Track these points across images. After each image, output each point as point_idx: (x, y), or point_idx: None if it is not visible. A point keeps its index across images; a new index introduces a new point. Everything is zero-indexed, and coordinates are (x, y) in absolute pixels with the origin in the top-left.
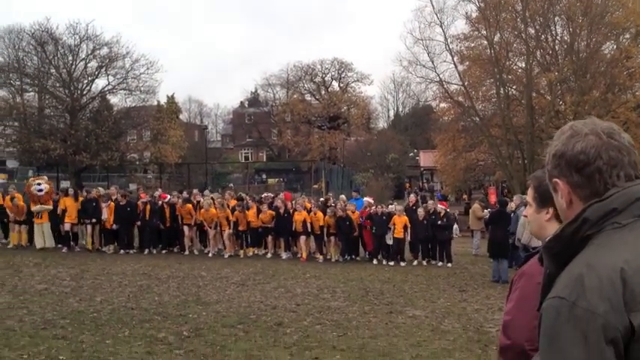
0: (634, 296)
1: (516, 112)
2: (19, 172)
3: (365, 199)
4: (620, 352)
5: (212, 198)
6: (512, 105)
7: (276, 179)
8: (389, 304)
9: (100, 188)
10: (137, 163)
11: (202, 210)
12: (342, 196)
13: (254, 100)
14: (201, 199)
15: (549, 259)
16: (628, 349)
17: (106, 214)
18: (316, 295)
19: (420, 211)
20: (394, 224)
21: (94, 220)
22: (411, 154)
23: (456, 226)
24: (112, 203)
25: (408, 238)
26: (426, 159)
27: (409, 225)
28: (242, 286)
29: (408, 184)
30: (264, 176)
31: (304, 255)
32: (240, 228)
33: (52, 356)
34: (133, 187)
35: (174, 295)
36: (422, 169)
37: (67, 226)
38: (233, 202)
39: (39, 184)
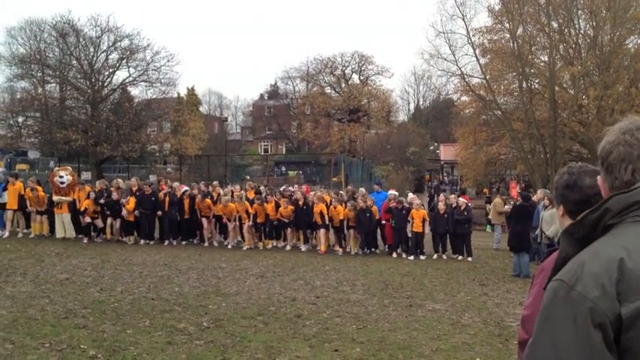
0: (629, 287)
1: (539, 106)
2: (40, 162)
3: (390, 192)
4: (608, 338)
5: (232, 191)
6: (534, 99)
7: (296, 172)
8: (409, 297)
9: (119, 180)
10: (157, 154)
11: (221, 205)
12: (362, 189)
13: (274, 92)
14: (221, 192)
15: (569, 242)
16: (619, 338)
17: (125, 210)
18: (335, 288)
19: (441, 205)
20: (412, 218)
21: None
22: (432, 147)
23: None
24: (132, 198)
25: (427, 230)
26: (446, 152)
27: (427, 219)
28: (261, 277)
29: (427, 177)
30: (283, 169)
31: (323, 248)
32: (259, 220)
33: (73, 345)
34: (153, 178)
35: (194, 286)
36: (442, 162)
37: (87, 219)
38: (252, 194)
39: (61, 175)
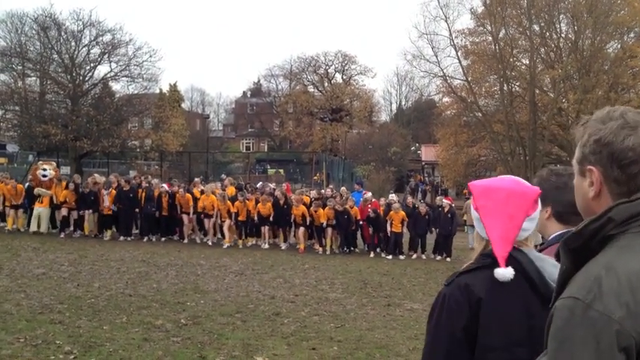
0: None
1: (519, 109)
2: (19, 156)
3: (365, 194)
4: None
5: (212, 191)
6: (515, 102)
7: (275, 170)
8: (387, 296)
9: (96, 175)
10: (138, 150)
11: (203, 195)
12: (343, 189)
13: (256, 90)
14: (203, 189)
15: (567, 255)
16: None
17: (107, 201)
18: (314, 286)
19: (422, 207)
20: (392, 219)
21: (91, 211)
22: (413, 147)
23: None
24: (114, 191)
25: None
26: (427, 153)
27: (407, 220)
28: (240, 275)
29: (418, 177)
30: (267, 166)
31: (302, 247)
32: (240, 218)
33: (48, 340)
34: (133, 174)
35: (173, 283)
36: (423, 163)
37: (64, 211)
38: (232, 190)
39: (45, 169)
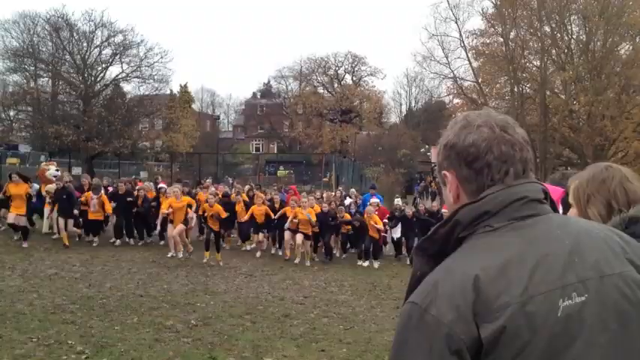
0: (487, 306)
1: (530, 111)
2: (31, 157)
3: (372, 200)
4: None
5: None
6: (525, 103)
7: (286, 171)
8: (396, 298)
9: (65, 173)
10: (149, 151)
11: (163, 197)
12: (353, 191)
13: (266, 91)
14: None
15: (424, 260)
16: None
17: (95, 206)
18: (324, 288)
19: (408, 210)
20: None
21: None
22: (423, 149)
23: None
24: (104, 195)
25: (397, 235)
26: (437, 155)
27: (379, 224)
28: (250, 276)
29: (429, 179)
30: (281, 167)
31: (288, 253)
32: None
33: (60, 340)
34: (143, 174)
35: (183, 284)
36: (433, 164)
37: (10, 218)
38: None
39: (57, 169)
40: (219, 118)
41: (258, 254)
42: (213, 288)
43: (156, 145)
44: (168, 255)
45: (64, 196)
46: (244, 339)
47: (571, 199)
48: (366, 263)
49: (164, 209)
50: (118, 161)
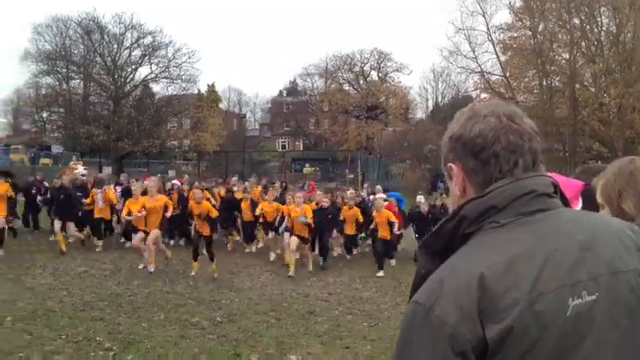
0: (493, 305)
1: (559, 104)
2: (63, 157)
3: (377, 195)
4: None
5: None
6: (554, 97)
7: (312, 168)
8: None
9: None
10: (177, 150)
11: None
12: (379, 187)
13: (292, 89)
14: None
15: (428, 258)
16: None
17: (100, 202)
18: (348, 285)
19: (423, 206)
20: (343, 217)
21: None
22: None
23: None
24: (110, 189)
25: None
26: None
27: (361, 219)
28: (275, 274)
29: None
30: (307, 165)
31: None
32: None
33: (89, 337)
34: (172, 173)
35: (209, 281)
36: None
37: None
38: (256, 192)
39: (85, 169)
40: (245, 117)
41: (272, 257)
42: (238, 285)
43: (184, 144)
44: (140, 267)
45: (62, 196)
46: (269, 336)
47: (600, 200)
48: (381, 273)
49: (134, 210)
50: (147, 160)
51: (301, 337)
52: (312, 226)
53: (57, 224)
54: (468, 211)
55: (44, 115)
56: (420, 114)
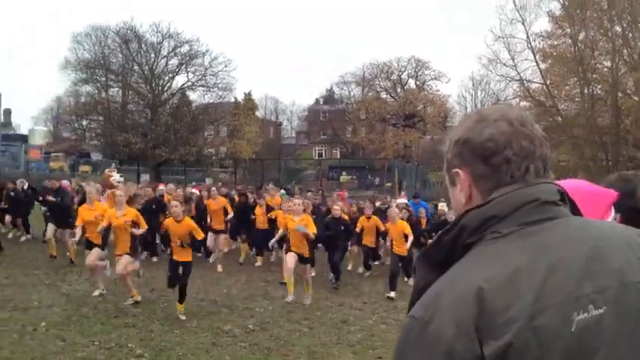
0: (491, 321)
1: (601, 113)
2: (102, 164)
3: (399, 199)
4: None
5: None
6: (596, 105)
7: (349, 176)
8: None
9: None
10: (214, 158)
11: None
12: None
13: (329, 97)
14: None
15: (428, 269)
16: None
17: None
18: (383, 294)
19: (450, 215)
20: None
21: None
22: None
23: None
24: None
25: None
26: None
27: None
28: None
29: None
30: (343, 173)
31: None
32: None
33: (121, 344)
34: (209, 181)
35: (242, 289)
36: None
37: None
38: (277, 201)
39: (121, 175)
40: (282, 125)
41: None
42: (272, 293)
43: (220, 152)
44: (96, 293)
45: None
46: (301, 344)
47: None
48: (392, 294)
49: (89, 218)
50: (184, 168)
51: (333, 346)
52: (313, 238)
53: (50, 229)
54: (468, 221)
55: (84, 123)
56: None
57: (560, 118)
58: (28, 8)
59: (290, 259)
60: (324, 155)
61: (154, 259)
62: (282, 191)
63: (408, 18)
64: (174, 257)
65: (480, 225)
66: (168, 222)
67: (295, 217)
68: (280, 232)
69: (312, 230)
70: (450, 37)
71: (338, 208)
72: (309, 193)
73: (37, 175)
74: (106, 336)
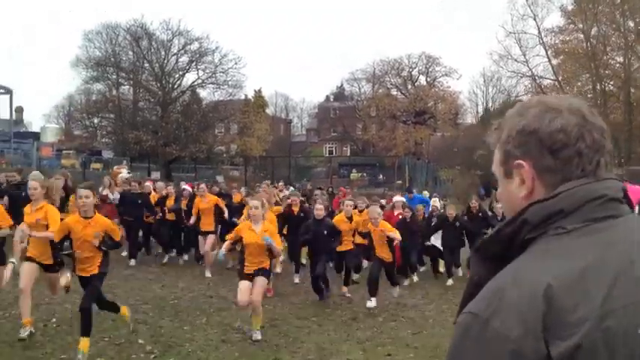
0: (560, 320)
1: (613, 109)
2: (113, 162)
3: (396, 198)
4: None
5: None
6: (609, 101)
7: (360, 174)
8: None
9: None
10: (224, 155)
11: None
12: (425, 192)
13: (339, 94)
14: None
15: (481, 263)
16: None
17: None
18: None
19: (450, 210)
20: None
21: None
22: None
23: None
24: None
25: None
26: None
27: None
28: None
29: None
30: (354, 170)
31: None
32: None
33: (131, 340)
34: (219, 178)
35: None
36: None
37: None
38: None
39: (129, 172)
40: (292, 122)
41: (296, 280)
42: (281, 290)
43: (230, 149)
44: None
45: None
46: (310, 341)
47: None
48: (373, 303)
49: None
50: (194, 165)
51: (342, 343)
52: (279, 253)
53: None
54: (530, 215)
55: (95, 120)
56: (469, 119)
57: None
58: (41, 6)
59: (243, 290)
60: (334, 152)
61: (166, 258)
62: (292, 188)
63: (418, 14)
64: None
65: (544, 220)
66: (70, 221)
67: (255, 226)
68: (227, 243)
69: (278, 243)
70: (460, 34)
71: (321, 208)
72: (317, 192)
73: (49, 172)
74: (115, 332)
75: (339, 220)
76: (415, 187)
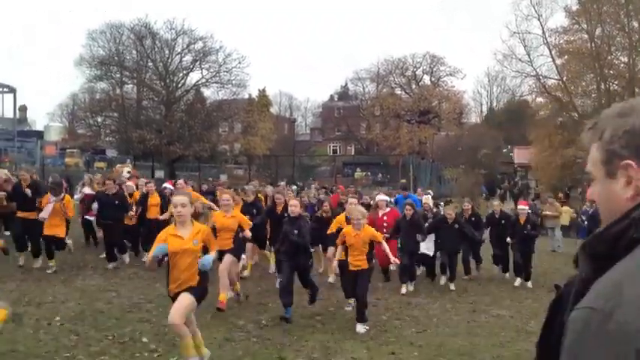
0: None
1: None
2: (117, 161)
3: (379, 196)
4: None
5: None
6: (613, 101)
7: (364, 173)
8: (472, 302)
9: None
10: (228, 154)
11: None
12: (419, 190)
13: (344, 93)
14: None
15: (587, 260)
16: None
17: (46, 212)
18: (397, 290)
19: (448, 210)
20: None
21: None
22: (505, 150)
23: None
24: (69, 197)
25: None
26: (520, 155)
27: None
28: (323, 277)
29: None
30: (358, 169)
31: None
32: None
33: (135, 338)
34: (223, 178)
35: (256, 284)
36: (516, 165)
37: None
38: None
39: (129, 171)
40: (296, 121)
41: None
42: None
43: (234, 148)
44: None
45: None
46: (314, 340)
47: None
48: (360, 328)
49: None
50: (198, 164)
51: (347, 341)
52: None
53: None
54: None
55: (99, 119)
56: (474, 118)
57: (576, 115)
58: (46, 4)
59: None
60: (338, 152)
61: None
62: (294, 187)
63: (422, 14)
64: None
65: None
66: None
67: (181, 230)
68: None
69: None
70: (464, 34)
71: (296, 204)
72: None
73: (53, 171)
74: (119, 330)
75: (340, 220)
76: (419, 186)
